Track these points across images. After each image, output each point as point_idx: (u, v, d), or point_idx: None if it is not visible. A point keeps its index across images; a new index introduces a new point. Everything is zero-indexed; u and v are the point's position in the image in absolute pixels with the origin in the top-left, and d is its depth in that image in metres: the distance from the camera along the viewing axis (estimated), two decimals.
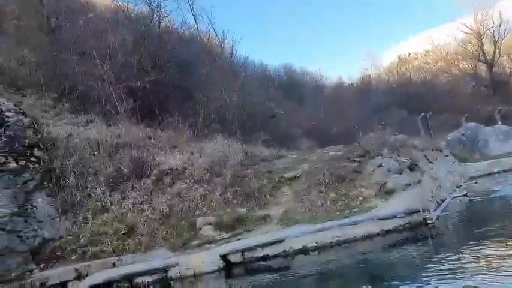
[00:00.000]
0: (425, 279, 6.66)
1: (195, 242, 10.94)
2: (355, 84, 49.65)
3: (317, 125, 27.41)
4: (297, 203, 12.23)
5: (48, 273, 9.52)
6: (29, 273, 9.47)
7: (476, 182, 18.00)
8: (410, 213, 10.67)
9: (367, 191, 12.27)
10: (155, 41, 19.84)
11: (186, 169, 13.38)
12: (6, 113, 11.08)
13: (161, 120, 17.70)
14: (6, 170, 10.40)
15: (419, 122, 27.78)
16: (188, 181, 12.95)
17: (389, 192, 12.22)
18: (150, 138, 15.30)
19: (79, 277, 9.49)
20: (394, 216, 10.59)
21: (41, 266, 10.00)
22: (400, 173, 13.18)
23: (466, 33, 45.80)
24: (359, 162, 13.57)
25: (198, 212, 12.07)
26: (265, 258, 9.99)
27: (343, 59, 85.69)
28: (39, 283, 8.85)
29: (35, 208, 10.81)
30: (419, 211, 10.66)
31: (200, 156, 14.16)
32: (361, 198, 11.98)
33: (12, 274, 9.05)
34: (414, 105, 36.42)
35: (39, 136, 12.00)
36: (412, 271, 7.59)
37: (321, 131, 26.42)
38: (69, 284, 9.33)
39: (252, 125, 21.26)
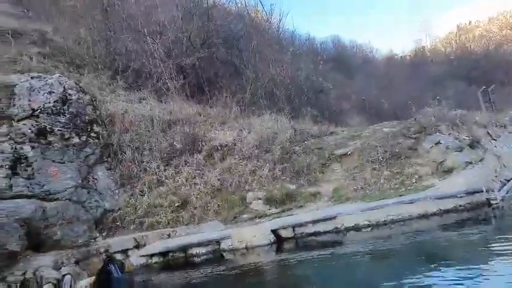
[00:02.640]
0: (483, 262, 6.32)
1: (246, 216, 11.14)
2: (408, 57, 47.04)
3: (367, 100, 26.44)
4: (348, 180, 11.97)
5: (110, 241, 10.16)
6: (93, 240, 10.17)
7: None
8: (471, 192, 10.09)
9: (423, 169, 11.73)
10: (203, 17, 19.82)
11: (236, 145, 13.51)
12: (69, 91, 11.68)
13: (210, 97, 17.89)
14: (70, 145, 11.06)
15: (480, 96, 25.92)
16: (237, 157, 13.08)
17: (448, 171, 11.59)
18: (200, 115, 15.55)
19: (137, 246, 10.05)
20: (454, 196, 10.06)
21: (103, 234, 10.70)
22: (460, 151, 12.42)
23: None
24: (415, 139, 12.93)
25: (247, 187, 12.21)
26: (316, 234, 9.98)
27: (395, 30, 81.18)
28: (103, 249, 9.48)
29: (96, 181, 11.47)
30: (481, 191, 10.06)
31: (249, 133, 14.21)
32: (417, 176, 11.48)
33: (80, 240, 9.76)
34: (474, 78, 33.95)
35: (97, 113, 12.59)
36: (470, 253, 7.22)
37: (372, 106, 25.49)
38: (129, 252, 9.92)
39: (300, 100, 20.92)
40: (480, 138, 13.71)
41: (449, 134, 13.06)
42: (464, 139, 13.02)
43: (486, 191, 9.97)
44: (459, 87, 32.91)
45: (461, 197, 10.02)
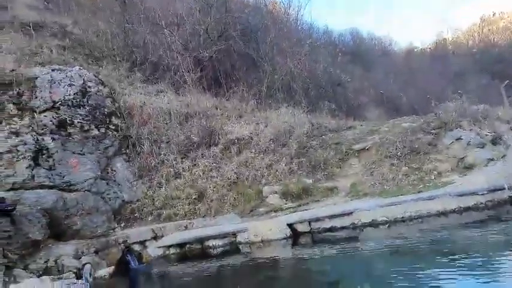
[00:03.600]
0: (502, 263, 6.18)
1: (262, 210, 11.16)
2: (428, 49, 45.97)
3: (386, 94, 25.99)
4: (366, 175, 11.84)
5: (128, 232, 10.34)
6: (112, 231, 10.36)
7: None
8: (493, 190, 9.85)
9: (443, 165, 11.50)
10: (221, 9, 19.76)
11: (252, 139, 13.50)
12: (88, 83, 11.86)
13: (226, 90, 17.89)
14: (89, 137, 11.25)
15: (503, 91, 25.15)
16: (254, 150, 13.08)
17: (469, 167, 11.34)
18: (217, 108, 15.58)
19: (155, 237, 10.20)
20: (474, 193, 9.85)
21: (122, 225, 10.89)
22: (482, 147, 12.11)
23: None
24: (435, 134, 12.67)
25: (263, 180, 12.22)
26: (332, 229, 9.92)
27: (415, 22, 79.36)
28: (121, 240, 9.65)
29: (114, 172, 11.66)
30: (503, 188, 9.81)
31: (266, 126, 14.17)
32: (436, 172, 11.26)
33: (99, 231, 9.96)
34: (497, 72, 32.96)
35: (116, 105, 12.75)
36: (490, 252, 7.06)
37: (390, 100, 25.06)
38: (147, 243, 10.08)
39: (317, 93, 20.72)
40: (503, 134, 13.33)
41: (470, 130, 12.75)
42: (486, 135, 12.68)
43: (508, 189, 9.73)
44: (481, 81, 32.04)
45: (482, 194, 9.81)
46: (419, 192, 10.28)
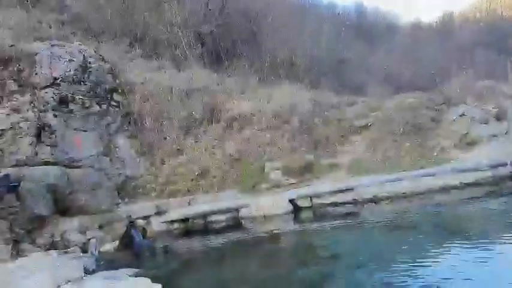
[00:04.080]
0: (502, 237, 6.25)
1: (264, 186, 11.24)
2: (434, 23, 44.96)
3: (389, 70, 25.63)
4: (368, 152, 11.85)
5: (132, 207, 10.47)
6: (116, 206, 10.48)
7: None
8: (495, 166, 9.86)
9: (446, 142, 11.48)
10: None
11: (254, 115, 13.43)
12: (89, 59, 11.70)
13: (227, 66, 17.66)
14: (91, 113, 11.21)
15: (509, 65, 24.75)
16: (256, 127, 13.04)
17: (472, 143, 11.32)
18: (218, 84, 15.43)
19: (158, 213, 10.33)
20: (476, 169, 9.87)
21: (125, 201, 11.00)
22: (486, 123, 12.05)
23: None
24: (438, 110, 12.58)
25: (265, 157, 12.24)
26: (333, 204, 10.02)
27: None
28: (125, 215, 9.79)
29: (117, 149, 11.67)
30: (506, 164, 9.81)
31: (268, 103, 14.08)
32: (438, 148, 11.26)
33: (103, 207, 10.08)
34: (504, 46, 32.32)
35: (117, 81, 12.62)
36: (490, 227, 7.14)
37: (394, 76, 24.72)
38: (151, 218, 10.22)
39: (319, 70, 20.44)
40: (507, 110, 13.22)
41: (474, 106, 12.65)
42: (490, 111, 12.58)
43: (510, 164, 9.73)
44: (489, 56, 31.46)
45: (484, 170, 9.82)
46: (421, 168, 10.30)
